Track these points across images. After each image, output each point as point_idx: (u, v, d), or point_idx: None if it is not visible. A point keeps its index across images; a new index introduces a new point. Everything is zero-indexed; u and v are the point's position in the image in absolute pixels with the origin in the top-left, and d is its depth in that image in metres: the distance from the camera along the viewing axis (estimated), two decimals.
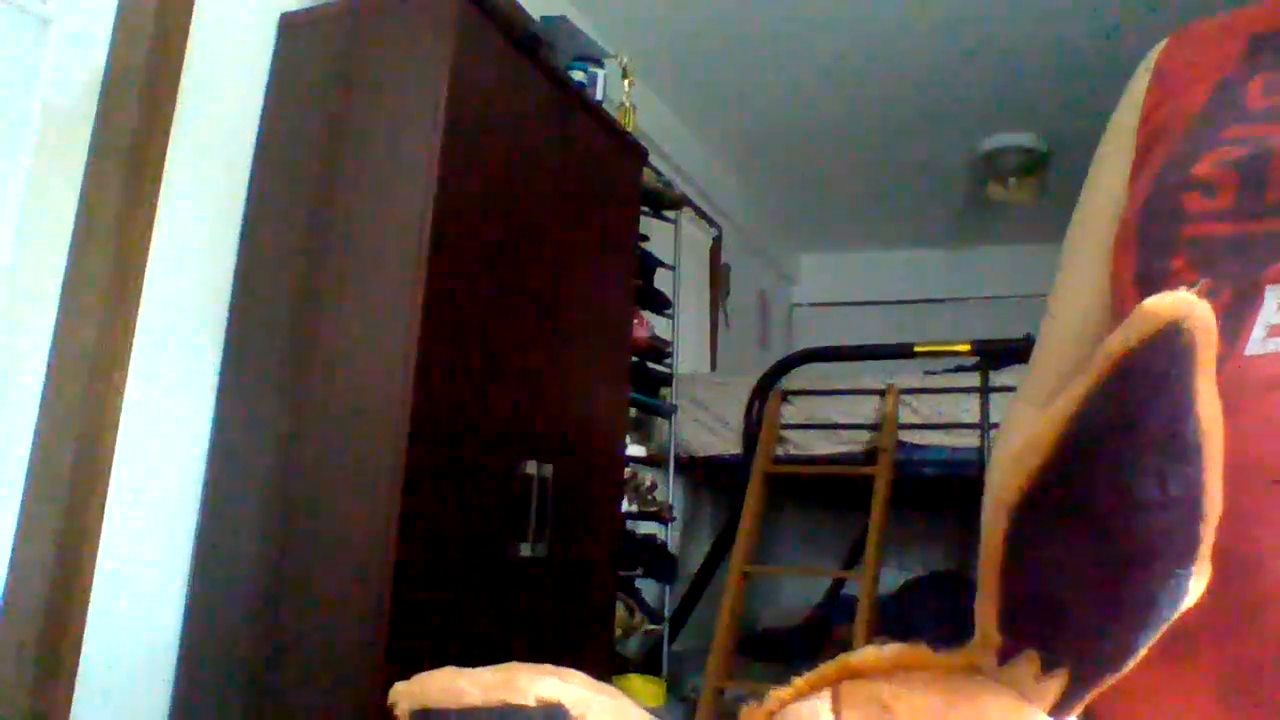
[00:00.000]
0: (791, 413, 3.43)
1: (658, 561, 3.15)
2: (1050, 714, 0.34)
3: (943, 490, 3.39)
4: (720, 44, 3.37)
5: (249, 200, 1.82)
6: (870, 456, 3.22)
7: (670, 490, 3.44)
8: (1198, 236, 0.57)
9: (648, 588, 3.25)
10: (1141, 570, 0.30)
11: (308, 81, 1.85)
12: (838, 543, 4.33)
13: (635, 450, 3.06)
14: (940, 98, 3.62)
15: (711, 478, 4.01)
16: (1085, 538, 0.31)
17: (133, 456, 1.56)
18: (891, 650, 0.35)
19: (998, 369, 3.11)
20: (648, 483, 3.20)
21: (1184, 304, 0.29)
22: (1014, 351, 3.12)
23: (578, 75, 2.28)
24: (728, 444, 3.50)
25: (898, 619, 3.47)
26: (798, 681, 0.34)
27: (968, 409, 3.12)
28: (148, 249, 1.37)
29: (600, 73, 2.39)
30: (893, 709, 0.33)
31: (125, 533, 1.56)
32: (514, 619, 1.81)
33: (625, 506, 2.76)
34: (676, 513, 3.40)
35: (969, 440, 3.09)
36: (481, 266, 1.78)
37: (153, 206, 1.38)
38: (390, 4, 1.79)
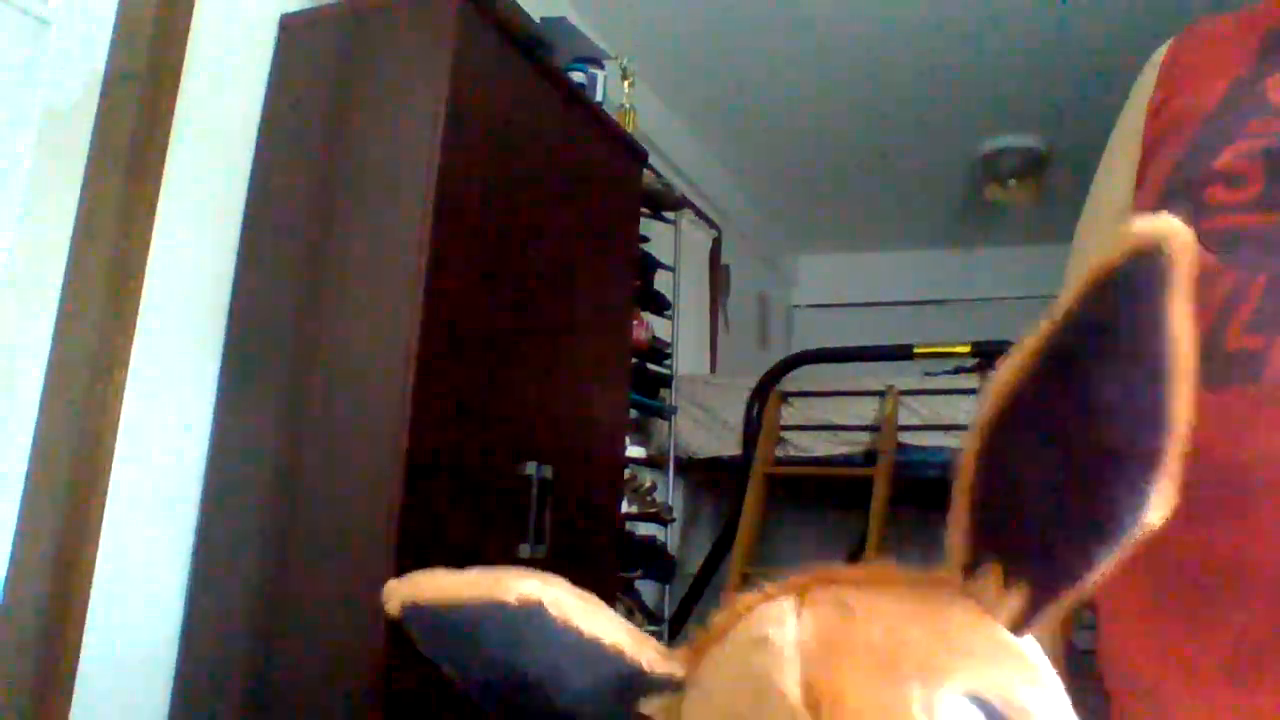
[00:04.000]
0: (791, 414, 3.43)
1: (657, 562, 3.15)
2: (1011, 628, 0.35)
3: (943, 491, 3.37)
4: (720, 45, 3.37)
5: (249, 200, 1.82)
6: (870, 458, 3.23)
7: (670, 491, 3.44)
8: (1221, 229, 0.56)
9: (647, 589, 3.25)
10: (1103, 480, 0.31)
11: (308, 81, 1.85)
12: (838, 544, 4.33)
13: (635, 451, 3.06)
14: (940, 99, 3.62)
15: (711, 479, 4.01)
16: (1052, 448, 0.32)
17: (133, 456, 1.56)
18: (862, 566, 0.37)
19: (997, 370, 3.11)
20: (647, 484, 3.20)
21: (1167, 226, 0.30)
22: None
23: (578, 76, 2.28)
24: (727, 445, 3.50)
25: None
26: (769, 587, 0.35)
27: (967, 410, 3.12)
28: (148, 249, 1.37)
29: (600, 74, 2.39)
30: (853, 609, 0.34)
31: (125, 533, 1.56)
32: None
33: (625, 507, 2.76)
34: (676, 514, 3.40)
35: None
36: (481, 267, 1.78)
37: (153, 206, 1.38)
38: (390, 4, 1.79)
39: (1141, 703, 0.55)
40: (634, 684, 0.38)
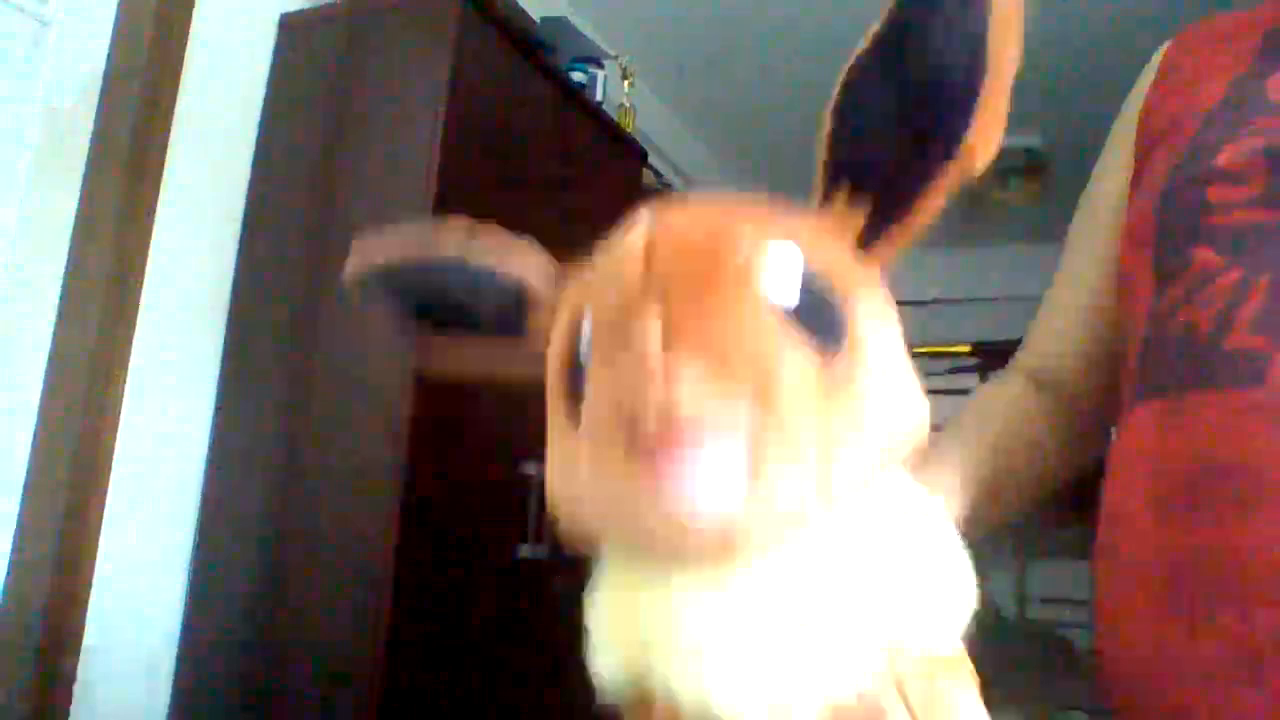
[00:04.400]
0: None
1: None
2: (856, 245, 0.40)
3: None
4: (721, 46, 3.37)
5: (249, 200, 1.82)
6: None
7: None
8: (1224, 226, 0.56)
9: None
10: (930, 105, 0.37)
11: (308, 81, 1.85)
12: None
13: None
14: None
15: None
16: (892, 85, 0.37)
17: (133, 456, 1.56)
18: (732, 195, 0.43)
19: (997, 370, 3.11)
20: None
21: None
22: (1013, 353, 3.12)
23: (577, 76, 2.28)
24: None
25: None
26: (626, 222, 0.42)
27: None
28: (148, 249, 1.37)
29: (600, 74, 2.39)
30: (701, 220, 0.40)
31: (125, 533, 1.56)
32: (514, 620, 1.81)
33: None
34: None
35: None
36: None
37: (153, 206, 1.38)
38: (390, 4, 1.79)
39: (1142, 706, 0.55)
40: (529, 301, 0.47)
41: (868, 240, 0.40)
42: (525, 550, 1.82)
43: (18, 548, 1.26)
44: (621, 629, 0.41)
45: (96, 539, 1.33)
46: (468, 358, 0.51)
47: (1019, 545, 3.91)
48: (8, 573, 1.28)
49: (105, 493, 1.41)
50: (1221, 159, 0.58)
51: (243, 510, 1.69)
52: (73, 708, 1.41)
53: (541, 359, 0.46)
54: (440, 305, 0.49)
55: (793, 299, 0.35)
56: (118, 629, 1.55)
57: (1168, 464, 0.55)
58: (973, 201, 4.60)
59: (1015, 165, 3.97)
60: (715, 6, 3.13)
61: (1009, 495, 0.70)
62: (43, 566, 1.23)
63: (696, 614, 0.36)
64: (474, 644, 1.70)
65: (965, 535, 0.42)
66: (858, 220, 0.39)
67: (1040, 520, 3.72)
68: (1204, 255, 0.56)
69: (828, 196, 0.40)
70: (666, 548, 0.35)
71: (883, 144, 0.38)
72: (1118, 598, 0.58)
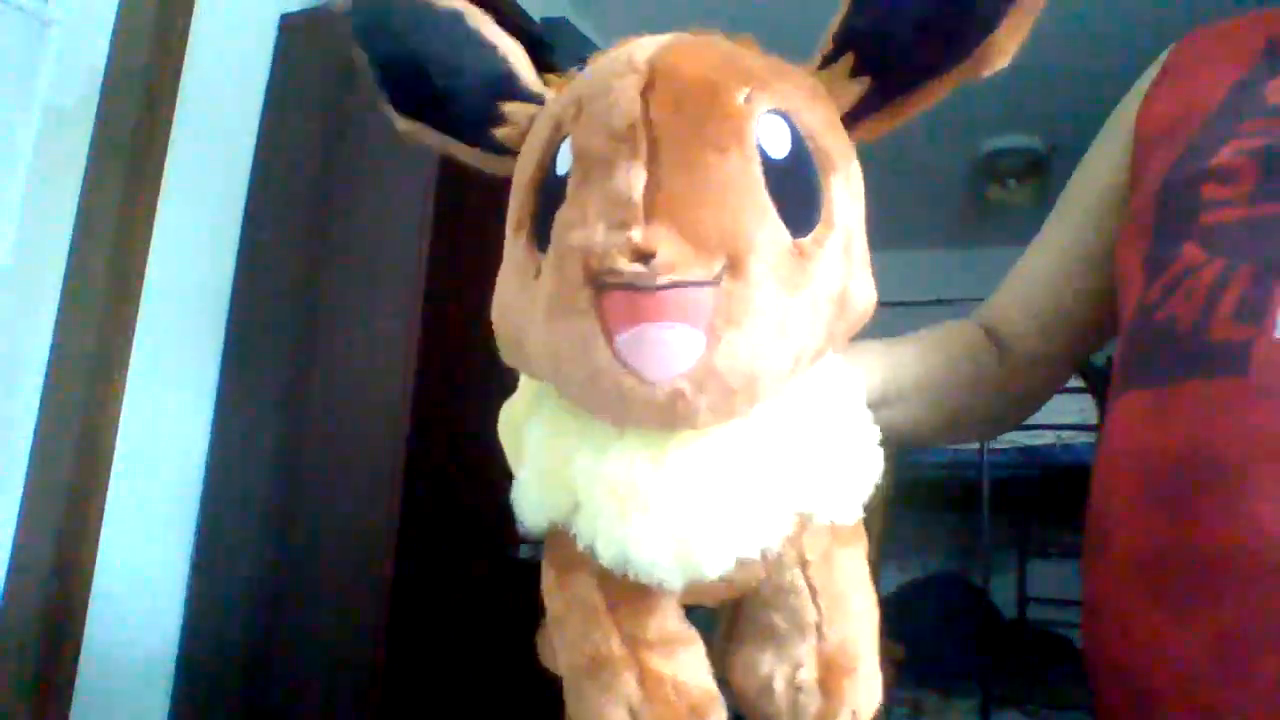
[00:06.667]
0: None
1: None
2: (845, 116, 0.41)
3: (942, 491, 3.39)
4: None
5: (249, 200, 1.82)
6: None
7: None
8: (1213, 223, 0.57)
9: None
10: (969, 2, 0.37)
11: (308, 81, 1.85)
12: None
13: None
14: (940, 99, 3.62)
15: None
16: None
17: (133, 456, 1.56)
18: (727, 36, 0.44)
19: None
20: None
21: None
22: None
23: None
24: None
25: (896, 620, 3.46)
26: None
27: None
28: (148, 249, 1.36)
29: None
30: (713, 40, 0.41)
31: (125, 533, 1.56)
32: (513, 620, 1.81)
33: None
34: None
35: (969, 441, 3.09)
36: (482, 266, 1.78)
37: (153, 206, 1.38)
38: None
39: (1128, 700, 0.55)
40: (508, 85, 0.46)
41: (857, 114, 0.40)
42: (525, 550, 1.82)
43: (17, 548, 1.26)
44: (550, 472, 0.41)
45: (96, 539, 1.33)
46: (431, 140, 0.50)
47: (1019, 545, 3.91)
48: (7, 574, 1.28)
49: (105, 493, 1.41)
50: (1216, 159, 0.59)
51: (242, 510, 1.69)
52: (72, 709, 1.41)
53: (501, 161, 0.47)
54: (419, 78, 0.47)
55: (781, 153, 0.36)
56: (117, 630, 1.55)
57: (1152, 457, 0.56)
58: (973, 201, 4.60)
59: (1015, 165, 3.97)
60: (717, 9, 3.12)
61: (934, 400, 0.74)
62: (43, 567, 1.22)
63: (628, 474, 0.36)
64: (473, 644, 1.70)
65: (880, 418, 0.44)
66: (854, 92, 0.40)
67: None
68: (1190, 251, 0.58)
69: (829, 61, 0.41)
70: (614, 402, 0.34)
71: (902, 23, 0.38)
72: (1104, 589, 0.59)
